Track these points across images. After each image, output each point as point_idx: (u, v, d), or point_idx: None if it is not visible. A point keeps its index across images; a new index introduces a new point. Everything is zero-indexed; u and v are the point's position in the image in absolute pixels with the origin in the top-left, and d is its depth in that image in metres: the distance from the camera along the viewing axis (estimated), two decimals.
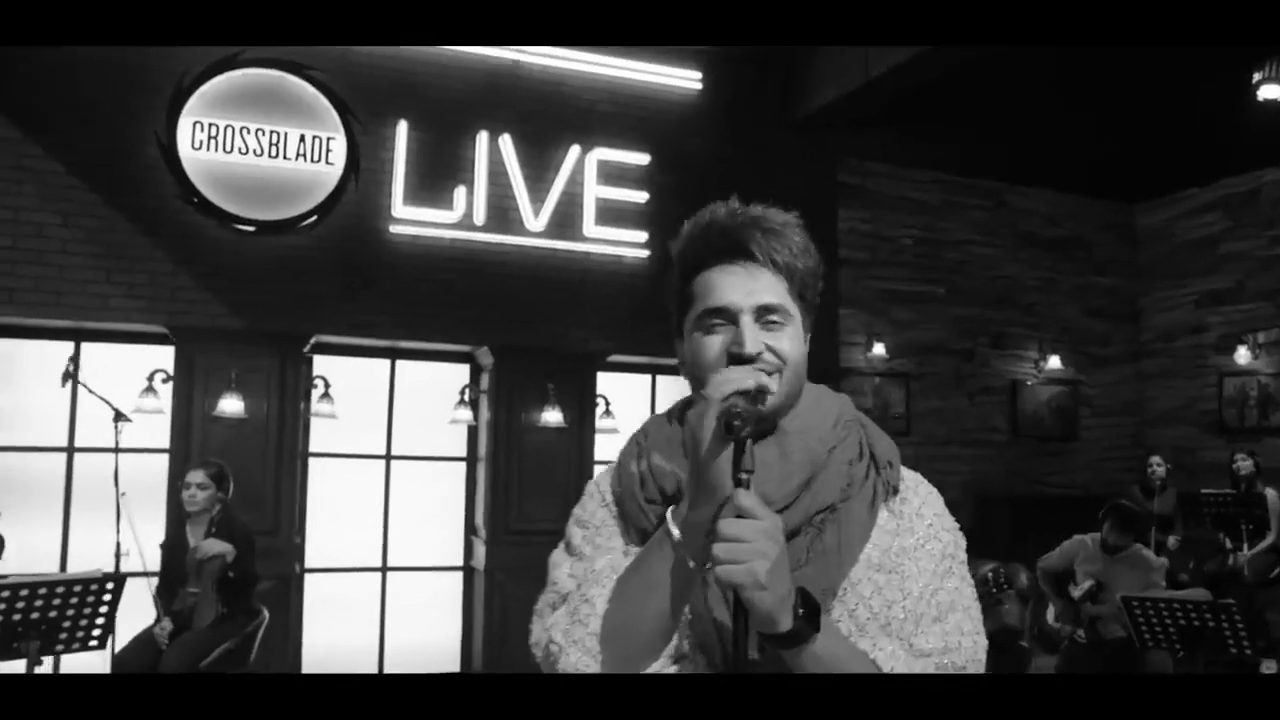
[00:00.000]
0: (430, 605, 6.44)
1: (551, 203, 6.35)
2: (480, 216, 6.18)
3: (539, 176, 6.33)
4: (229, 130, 5.69)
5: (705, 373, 1.20)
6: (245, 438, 5.59)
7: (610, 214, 6.48)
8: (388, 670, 6.18)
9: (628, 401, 6.76)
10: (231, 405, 5.51)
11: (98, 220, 5.52)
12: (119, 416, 5.06)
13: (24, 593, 3.47)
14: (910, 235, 8.17)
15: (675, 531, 1.15)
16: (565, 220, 6.38)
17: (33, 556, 5.37)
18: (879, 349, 7.81)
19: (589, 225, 6.44)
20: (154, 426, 5.52)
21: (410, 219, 6.04)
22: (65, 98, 5.47)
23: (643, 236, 6.51)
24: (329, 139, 5.87)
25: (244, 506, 5.10)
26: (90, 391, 5.10)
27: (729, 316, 1.22)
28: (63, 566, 5.60)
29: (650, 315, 6.46)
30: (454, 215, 6.11)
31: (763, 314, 1.22)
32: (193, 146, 5.61)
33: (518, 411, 6.23)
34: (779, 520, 1.08)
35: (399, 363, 6.41)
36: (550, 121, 6.41)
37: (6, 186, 5.38)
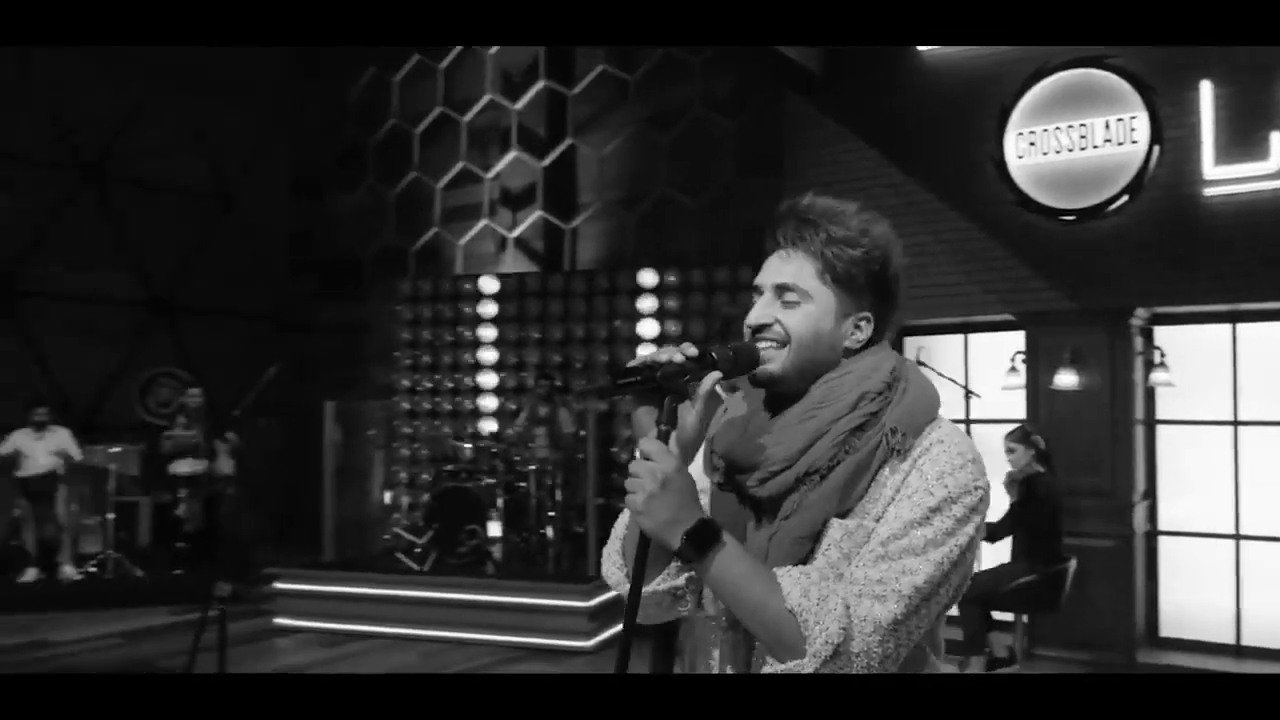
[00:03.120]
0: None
1: None
2: None
3: None
4: (1044, 133, 6.37)
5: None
6: (1081, 407, 6.26)
7: None
8: (1245, 641, 6.05)
9: None
10: (1066, 379, 6.25)
11: (958, 233, 6.86)
12: (968, 394, 6.41)
13: None
14: None
15: None
16: None
17: None
18: None
19: None
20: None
21: (1224, 178, 5.74)
22: (928, 143, 6.95)
23: None
24: (1131, 118, 6.01)
25: (1080, 470, 5.91)
26: (938, 373, 6.53)
27: (759, 292, 1.45)
28: None
29: None
30: (1272, 165, 5.55)
31: (780, 292, 1.41)
32: (1017, 156, 6.48)
33: None
34: (672, 463, 1.31)
35: (1239, 325, 6.09)
36: None
37: (898, 218, 7.10)
